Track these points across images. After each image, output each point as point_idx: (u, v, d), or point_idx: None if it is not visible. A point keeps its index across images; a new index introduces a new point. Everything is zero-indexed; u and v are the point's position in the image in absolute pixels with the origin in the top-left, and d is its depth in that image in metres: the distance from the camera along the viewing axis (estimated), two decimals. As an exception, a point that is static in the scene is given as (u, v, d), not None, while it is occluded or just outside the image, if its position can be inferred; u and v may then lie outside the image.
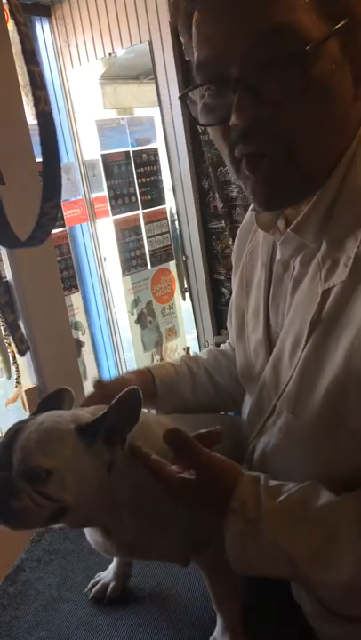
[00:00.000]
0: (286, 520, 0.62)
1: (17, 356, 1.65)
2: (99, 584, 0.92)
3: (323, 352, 0.65)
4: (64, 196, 2.64)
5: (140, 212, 2.77)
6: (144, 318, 2.84)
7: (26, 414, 1.69)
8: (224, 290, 2.61)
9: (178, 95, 0.68)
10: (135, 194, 2.74)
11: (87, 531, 0.82)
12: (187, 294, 2.80)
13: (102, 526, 0.77)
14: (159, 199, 2.83)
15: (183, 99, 0.68)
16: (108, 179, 2.65)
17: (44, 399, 0.80)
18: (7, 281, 1.67)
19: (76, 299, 2.74)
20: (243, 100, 0.60)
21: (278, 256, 0.77)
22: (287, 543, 0.61)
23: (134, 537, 0.76)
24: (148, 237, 2.80)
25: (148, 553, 0.81)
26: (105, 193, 2.67)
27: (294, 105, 0.60)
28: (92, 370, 2.91)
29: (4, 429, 0.73)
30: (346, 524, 0.60)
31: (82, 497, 0.69)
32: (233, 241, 2.43)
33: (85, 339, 2.86)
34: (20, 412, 1.78)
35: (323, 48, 0.58)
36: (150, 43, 2.37)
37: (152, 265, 2.84)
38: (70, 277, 2.63)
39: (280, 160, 0.63)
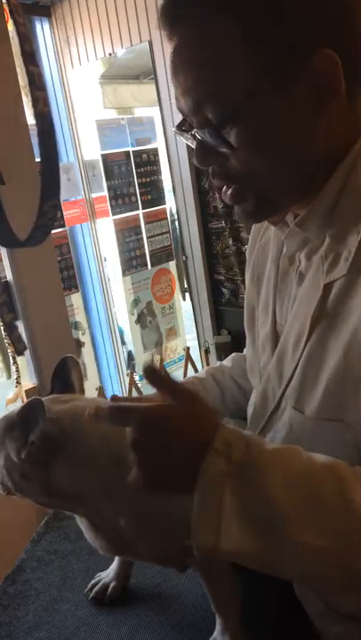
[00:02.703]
0: (281, 471, 0.56)
1: (17, 356, 1.65)
2: (99, 584, 0.92)
3: (324, 346, 0.66)
4: (64, 195, 2.64)
5: (140, 212, 2.77)
6: (144, 318, 2.84)
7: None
8: (224, 290, 2.61)
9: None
10: (135, 194, 2.74)
11: (84, 529, 0.83)
12: (187, 294, 2.80)
13: (90, 521, 0.79)
14: (159, 199, 2.83)
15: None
16: (108, 179, 2.65)
17: (54, 373, 0.85)
18: (6, 281, 1.67)
19: (76, 299, 2.74)
20: (198, 148, 0.68)
21: (284, 250, 0.78)
22: (280, 496, 0.54)
23: (121, 532, 0.76)
24: (148, 237, 2.80)
25: (142, 550, 0.81)
26: (105, 193, 2.67)
27: (236, 156, 0.66)
28: (92, 370, 2.91)
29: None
30: (337, 490, 0.55)
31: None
32: (233, 241, 2.43)
33: (85, 339, 2.86)
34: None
35: (247, 108, 0.62)
36: (150, 43, 2.37)
37: (152, 265, 2.83)
38: (70, 277, 2.62)
39: (247, 196, 0.69)
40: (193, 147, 0.70)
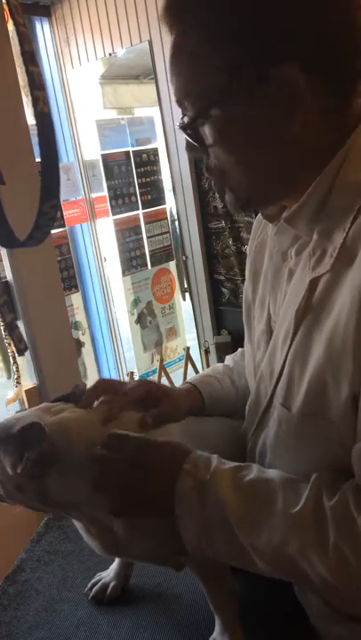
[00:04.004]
0: (230, 481, 0.67)
1: (17, 355, 1.65)
2: (99, 584, 0.93)
3: (309, 342, 0.66)
4: (64, 195, 2.64)
5: (140, 212, 2.77)
6: (144, 318, 2.84)
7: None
8: (224, 290, 2.61)
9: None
10: (135, 194, 2.74)
11: (81, 531, 0.83)
12: (187, 294, 2.80)
13: (85, 525, 0.80)
14: (159, 199, 2.83)
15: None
16: (108, 179, 2.65)
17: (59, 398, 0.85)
18: (6, 281, 1.67)
19: (76, 299, 2.74)
20: (188, 141, 0.71)
21: (276, 247, 0.78)
22: (227, 502, 0.65)
23: (115, 536, 0.77)
24: (148, 237, 2.80)
25: (137, 553, 0.81)
26: (105, 193, 2.67)
27: (213, 152, 0.70)
28: (92, 370, 2.91)
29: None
30: (283, 495, 0.64)
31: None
32: (233, 241, 2.43)
33: (85, 339, 2.86)
34: (20, 412, 1.77)
35: (216, 108, 0.65)
36: (150, 43, 2.37)
37: (152, 265, 2.84)
38: (70, 277, 2.63)
39: (226, 191, 0.73)
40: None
